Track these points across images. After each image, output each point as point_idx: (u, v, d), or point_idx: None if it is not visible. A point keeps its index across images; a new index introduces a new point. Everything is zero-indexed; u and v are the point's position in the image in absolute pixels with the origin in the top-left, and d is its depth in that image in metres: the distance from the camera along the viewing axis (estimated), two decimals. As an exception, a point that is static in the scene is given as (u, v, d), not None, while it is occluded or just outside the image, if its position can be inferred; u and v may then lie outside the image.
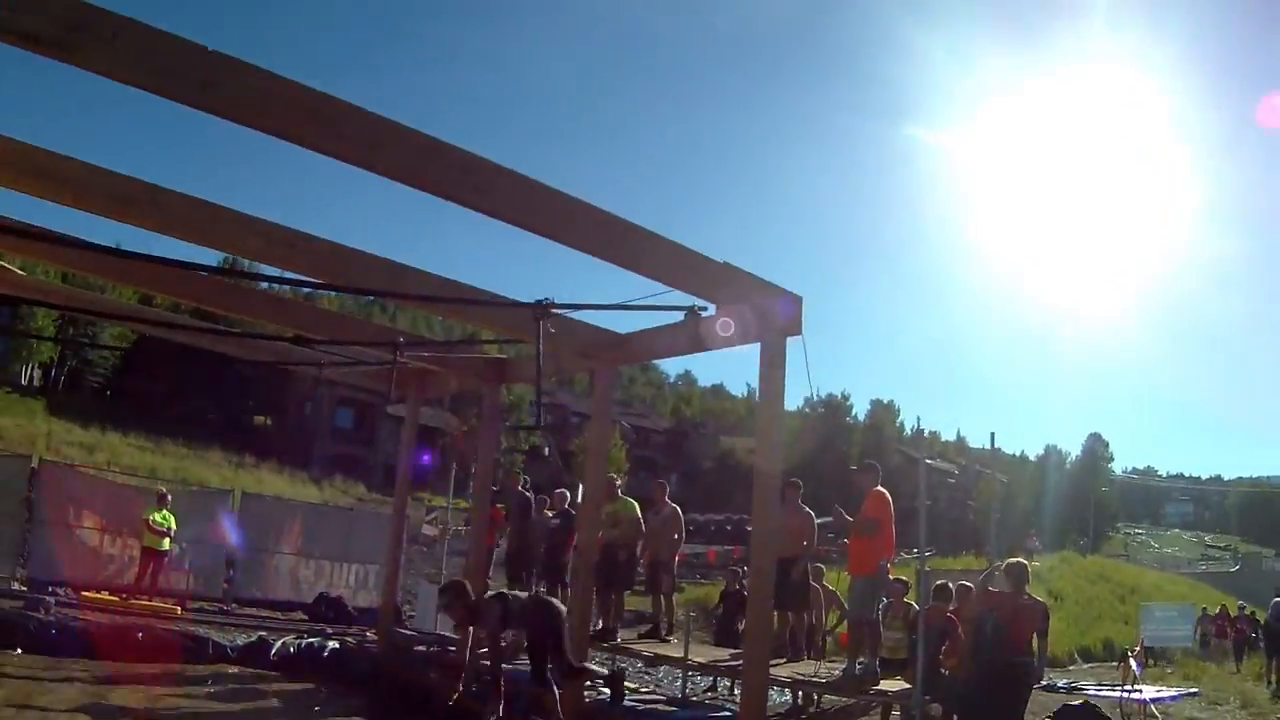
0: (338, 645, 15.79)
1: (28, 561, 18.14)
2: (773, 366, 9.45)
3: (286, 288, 13.38)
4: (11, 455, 20.88)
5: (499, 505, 16.20)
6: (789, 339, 9.45)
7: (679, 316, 9.20)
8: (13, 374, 66.33)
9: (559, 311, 8.66)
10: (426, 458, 21.79)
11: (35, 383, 69.48)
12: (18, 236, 9.80)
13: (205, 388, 68.41)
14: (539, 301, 8.36)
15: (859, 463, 14.39)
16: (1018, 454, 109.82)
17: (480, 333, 12.48)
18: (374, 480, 62.40)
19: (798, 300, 9.44)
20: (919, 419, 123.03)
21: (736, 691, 12.98)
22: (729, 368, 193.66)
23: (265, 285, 12.65)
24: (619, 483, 14.10)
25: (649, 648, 13.72)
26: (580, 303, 9.27)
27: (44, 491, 18.44)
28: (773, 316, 9.31)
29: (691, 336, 10.09)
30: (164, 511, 17.23)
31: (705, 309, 9.08)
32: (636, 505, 14.34)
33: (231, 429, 64.96)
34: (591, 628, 12.66)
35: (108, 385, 72.82)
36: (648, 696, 13.52)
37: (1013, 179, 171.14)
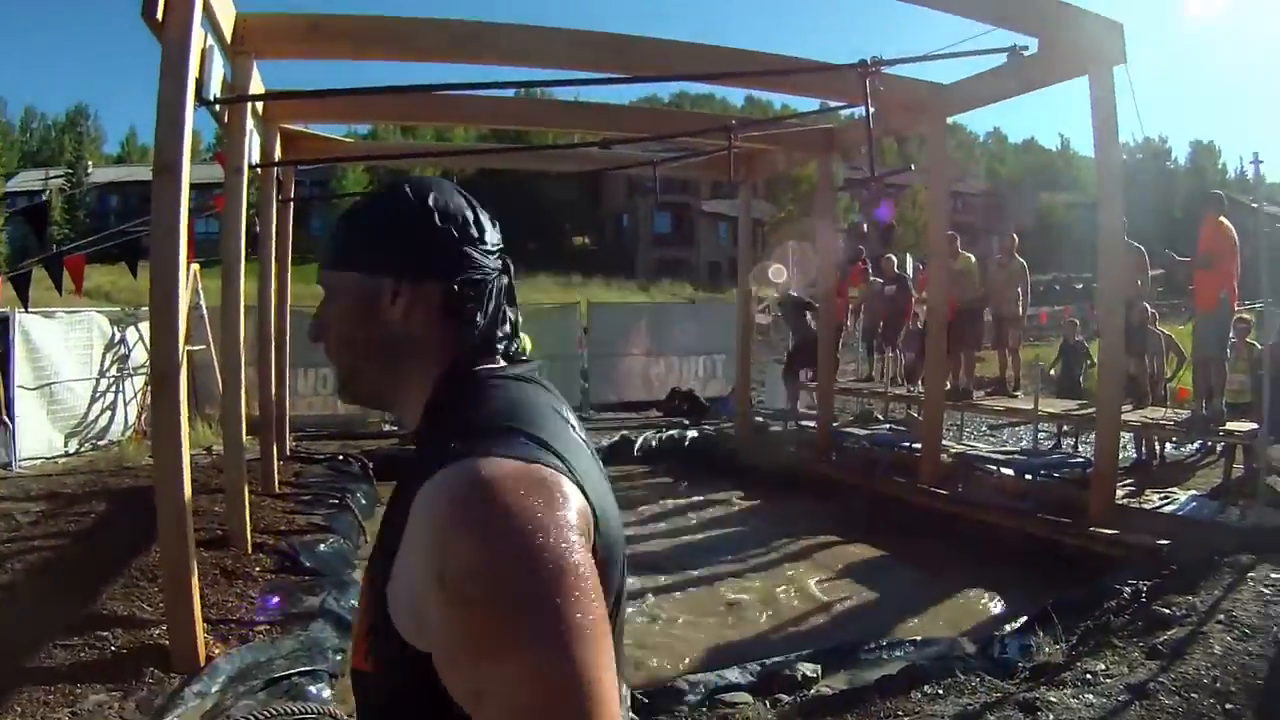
0: (696, 434, 17.12)
1: (396, 403, 19.83)
2: (1103, 98, 9.41)
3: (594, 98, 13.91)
4: None
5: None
6: (1115, 69, 9.43)
7: (1001, 59, 9.34)
8: (331, 242, 71.59)
9: (884, 68, 8.96)
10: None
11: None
12: (312, 98, 11.13)
13: (521, 219, 71.91)
14: (863, 61, 8.73)
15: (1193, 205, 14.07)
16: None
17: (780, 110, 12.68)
18: (699, 278, 64.24)
19: (1118, 27, 9.43)
20: (1245, 158, 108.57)
21: (1080, 449, 13.40)
22: (1040, 121, 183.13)
23: (572, 95, 13.18)
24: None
25: (999, 402, 14.25)
26: (903, 56, 9.49)
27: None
28: (1097, 47, 9.33)
29: (1016, 78, 10.14)
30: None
31: (1026, 47, 9.16)
32: (974, 260, 14.63)
33: (553, 254, 67.80)
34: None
35: (427, 236, 77.39)
36: (1000, 449, 14.11)
37: None
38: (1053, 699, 5.06)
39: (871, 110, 8.74)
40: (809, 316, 16.22)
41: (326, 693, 6.07)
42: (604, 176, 59.20)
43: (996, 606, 8.62)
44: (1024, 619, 7.37)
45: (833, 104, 11.95)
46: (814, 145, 14.61)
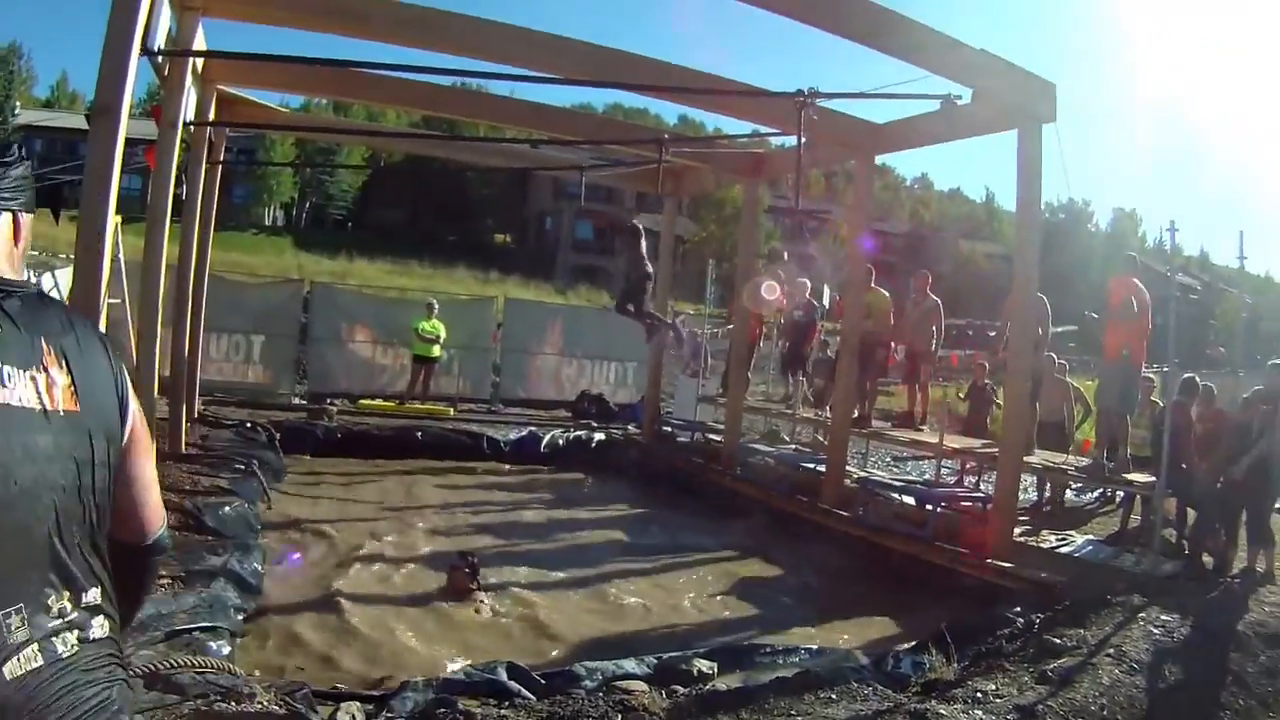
0: (604, 437, 17.23)
1: (306, 377, 19.83)
2: (1030, 152, 9.69)
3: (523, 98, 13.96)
4: (285, 281, 22.29)
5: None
6: (1044, 126, 9.69)
7: (934, 105, 9.53)
8: (256, 216, 70.66)
9: (819, 101, 9.08)
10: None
11: (278, 223, 73.84)
12: (253, 60, 11.11)
13: (445, 212, 71.63)
14: (800, 91, 8.86)
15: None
16: (1262, 275, 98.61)
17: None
18: (616, 287, 64.21)
19: (1051, 87, 9.72)
20: (1167, 226, 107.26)
21: (982, 486, 13.60)
22: (967, 171, 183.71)
23: (508, 91, 13.27)
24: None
25: (905, 434, 14.43)
26: (839, 91, 9.66)
27: (317, 312, 20.09)
28: (1028, 103, 9.57)
29: (947, 124, 10.29)
30: (433, 320, 18.39)
31: (960, 97, 9.35)
32: (888, 296, 14.83)
33: (474, 249, 67.53)
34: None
35: (349, 218, 76.45)
36: (902, 478, 14.31)
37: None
38: (943, 712, 5.18)
39: (803, 140, 8.92)
40: (644, 248, 16.18)
41: (226, 649, 6.03)
42: (531, 177, 59.15)
43: (891, 627, 8.74)
44: (918, 640, 7.50)
45: (764, 130, 12.08)
46: (742, 168, 14.81)
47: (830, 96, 9.39)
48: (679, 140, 13.68)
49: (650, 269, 13.39)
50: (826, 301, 17.83)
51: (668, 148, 11.65)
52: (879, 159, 13.55)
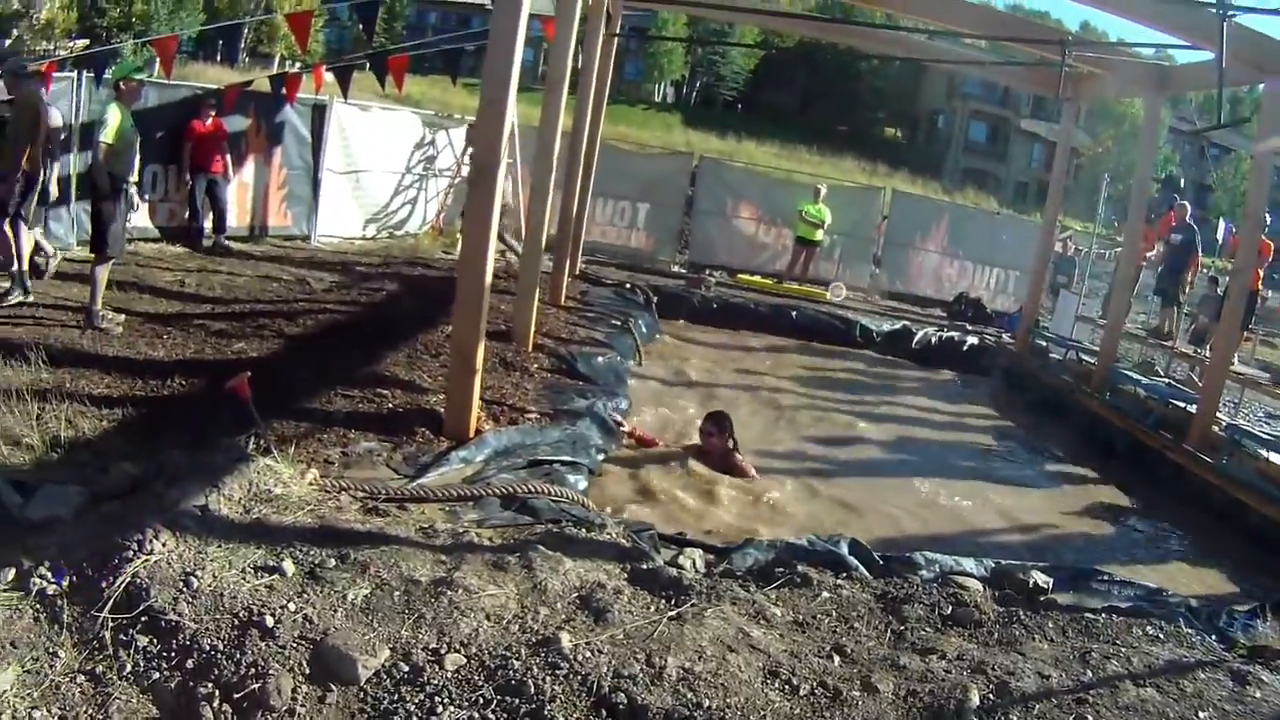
0: (976, 341, 17.01)
1: (687, 247, 20.58)
2: None
3: None
4: (674, 154, 22.96)
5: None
6: None
7: None
8: (646, 93, 72.46)
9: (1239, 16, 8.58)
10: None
11: (668, 100, 75.33)
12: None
13: (836, 100, 71.08)
14: (1222, 1, 8.38)
15: None
16: None
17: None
18: (1005, 194, 62.22)
19: None
20: None
21: None
22: None
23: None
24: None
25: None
26: (1260, 5, 8.98)
27: (704, 185, 20.60)
28: None
29: None
30: (819, 205, 18.50)
31: None
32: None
33: (863, 140, 66.89)
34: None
35: (738, 100, 76.97)
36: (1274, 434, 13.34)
37: None
38: (1265, 678, 4.97)
39: (1224, 55, 8.46)
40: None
41: (583, 484, 6.54)
42: (925, 74, 57.83)
43: (1229, 584, 8.30)
44: (1257, 603, 7.19)
45: (1170, 42, 11.43)
46: (1146, 80, 13.90)
47: (1253, 12, 8.78)
48: (1081, 43, 13.09)
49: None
50: (1220, 236, 16.90)
51: (1070, 50, 11.26)
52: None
